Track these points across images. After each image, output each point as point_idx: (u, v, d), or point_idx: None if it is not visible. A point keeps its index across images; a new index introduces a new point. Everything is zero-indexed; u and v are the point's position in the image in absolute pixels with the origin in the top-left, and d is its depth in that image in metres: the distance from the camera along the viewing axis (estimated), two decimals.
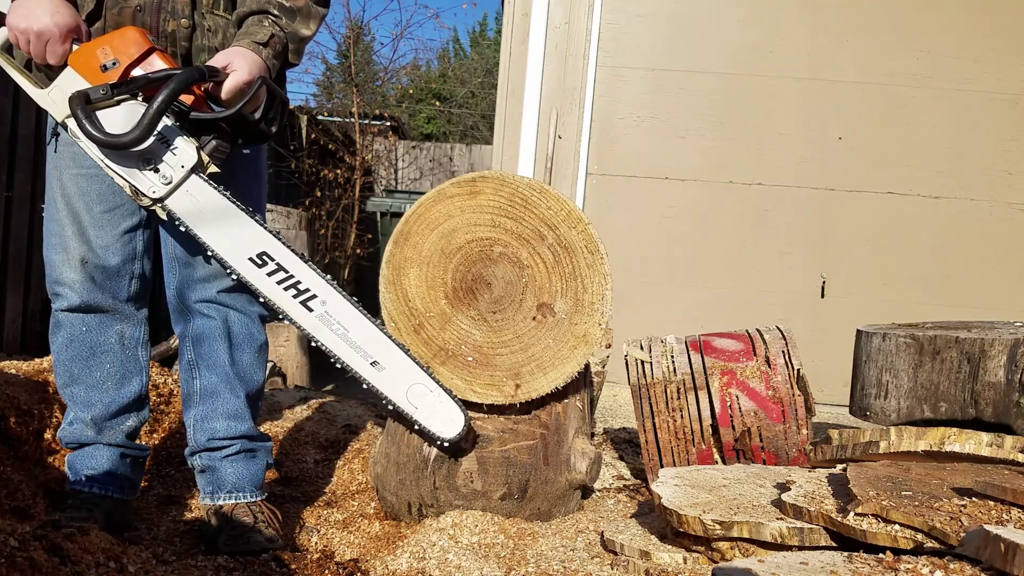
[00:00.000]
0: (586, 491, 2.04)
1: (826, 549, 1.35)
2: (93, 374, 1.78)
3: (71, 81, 1.59)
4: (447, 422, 1.72)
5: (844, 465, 1.59)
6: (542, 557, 1.66)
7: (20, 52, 1.64)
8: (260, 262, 1.66)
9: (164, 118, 1.57)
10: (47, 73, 1.65)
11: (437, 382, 1.73)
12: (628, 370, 2.16)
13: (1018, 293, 3.73)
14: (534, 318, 1.76)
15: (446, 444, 1.75)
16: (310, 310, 1.67)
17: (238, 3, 1.74)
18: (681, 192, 3.87)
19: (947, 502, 1.30)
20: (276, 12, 1.68)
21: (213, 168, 1.63)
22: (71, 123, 1.60)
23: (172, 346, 3.70)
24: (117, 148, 1.55)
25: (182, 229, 1.67)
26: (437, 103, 13.20)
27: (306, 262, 1.67)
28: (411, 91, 12.61)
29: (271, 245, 1.66)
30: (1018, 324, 2.09)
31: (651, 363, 2.14)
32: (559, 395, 1.85)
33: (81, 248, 1.73)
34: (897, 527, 1.27)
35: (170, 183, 1.61)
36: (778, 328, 2.20)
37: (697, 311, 3.79)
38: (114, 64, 1.57)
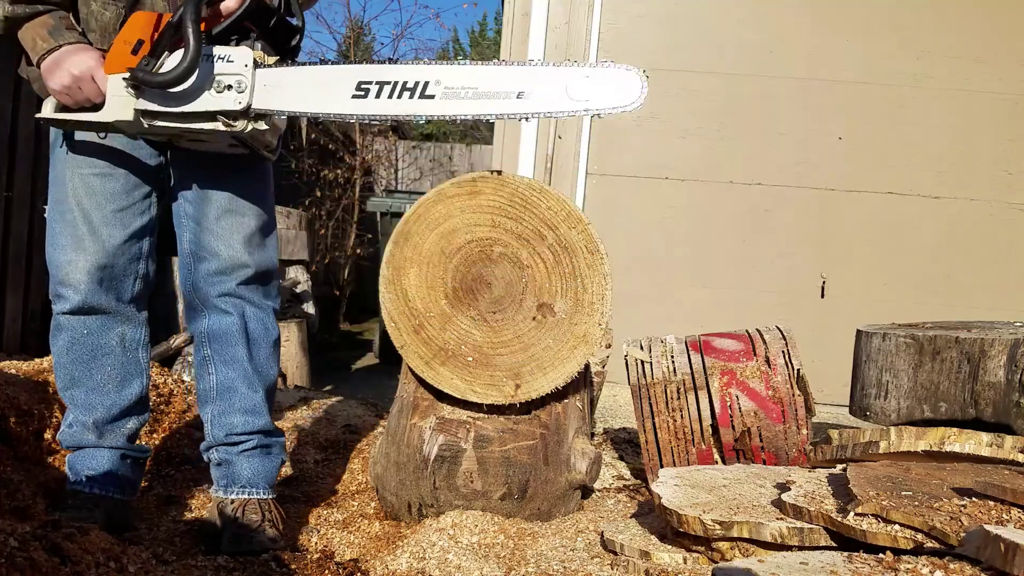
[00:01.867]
0: (586, 491, 2.04)
1: (826, 549, 1.35)
2: (94, 376, 1.79)
3: (116, 82, 1.63)
4: (622, 95, 1.57)
5: (844, 465, 1.59)
6: (542, 557, 1.66)
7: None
8: (363, 92, 1.62)
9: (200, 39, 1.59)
10: (94, 107, 1.67)
11: (585, 65, 1.59)
12: (628, 370, 2.16)
13: (1018, 293, 3.73)
14: (534, 318, 1.76)
15: (628, 109, 1.57)
16: (432, 97, 1.60)
17: None
18: (681, 192, 3.87)
19: (947, 502, 1.30)
20: None
21: (268, 58, 1.65)
22: (142, 104, 1.61)
23: (172, 346, 3.70)
24: (183, 80, 1.56)
25: (283, 118, 1.68)
26: None
27: (394, 61, 1.63)
28: None
29: (359, 72, 1.63)
30: (1018, 324, 2.09)
31: (651, 363, 2.14)
32: (559, 395, 1.85)
33: (91, 247, 1.73)
34: (897, 527, 1.27)
35: (244, 88, 1.61)
36: (778, 328, 2.20)
37: (697, 311, 3.79)
38: (139, 43, 1.62)
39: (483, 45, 14.38)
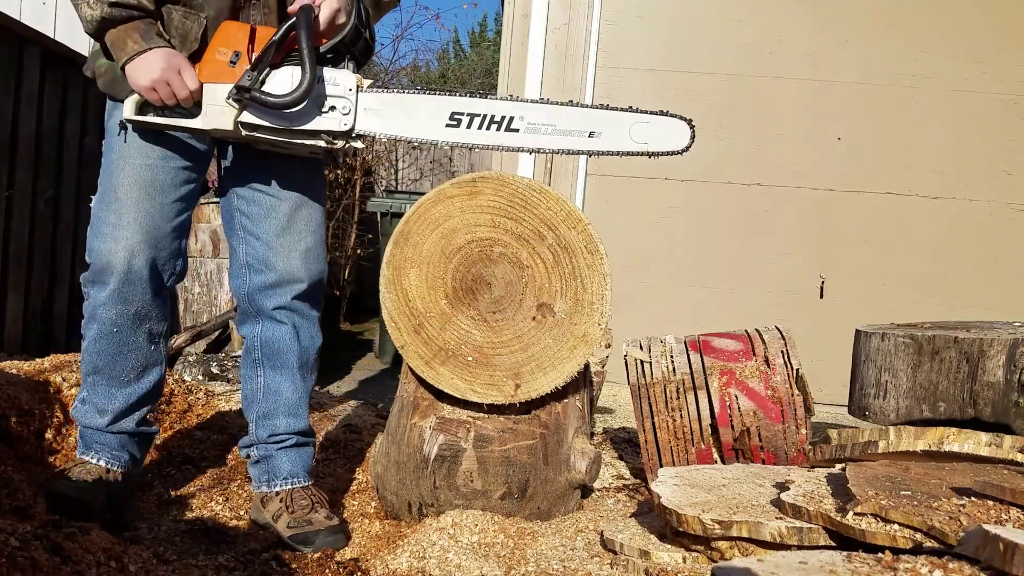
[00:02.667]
0: (586, 491, 2.04)
1: (825, 549, 1.35)
2: (116, 368, 1.86)
3: (214, 92, 1.69)
4: (674, 139, 1.80)
5: (843, 465, 1.59)
6: (542, 556, 1.66)
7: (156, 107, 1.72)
8: (455, 122, 1.76)
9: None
10: (187, 110, 1.72)
11: (645, 112, 1.79)
12: (628, 370, 2.16)
13: (1017, 293, 3.74)
14: (534, 318, 1.77)
15: (679, 152, 1.81)
16: (516, 131, 1.76)
17: None
18: (681, 192, 3.87)
19: (946, 502, 1.30)
20: None
21: (366, 81, 1.75)
22: (246, 117, 1.68)
23: (172, 346, 3.71)
24: (299, 103, 1.64)
25: (383, 139, 1.81)
26: None
27: (485, 96, 1.78)
28: None
29: (452, 104, 1.75)
30: (1017, 324, 2.10)
31: (650, 363, 2.14)
32: (559, 395, 1.85)
33: (135, 237, 1.76)
34: (896, 527, 1.27)
35: (349, 111, 1.71)
36: (777, 328, 2.21)
37: (697, 311, 3.80)
38: (237, 55, 1.69)
39: (483, 46, 14.38)
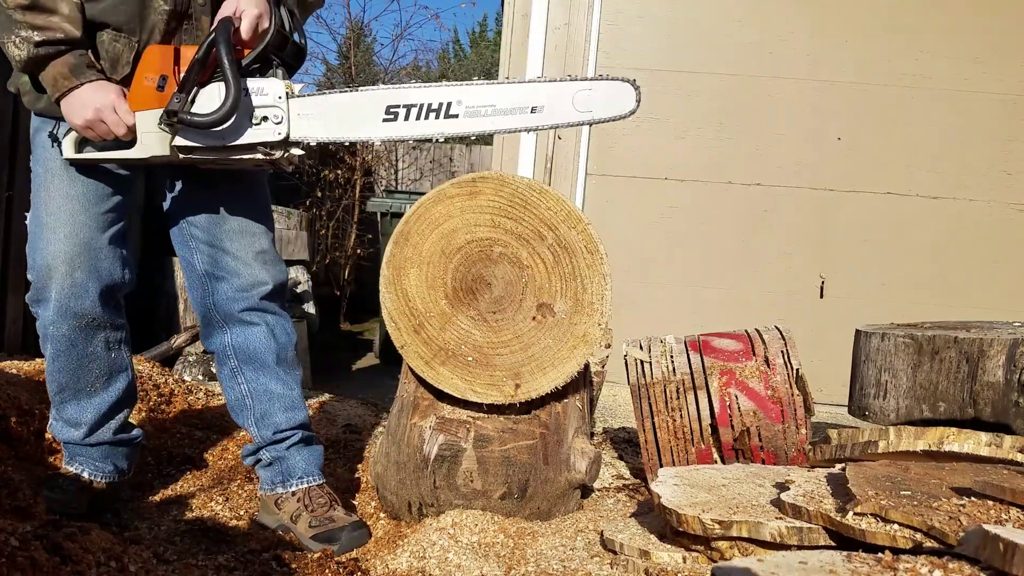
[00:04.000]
0: (586, 490, 2.04)
1: (825, 548, 1.35)
2: (80, 381, 1.84)
3: (146, 119, 1.67)
4: (619, 104, 1.74)
5: (843, 465, 1.59)
6: (542, 556, 1.66)
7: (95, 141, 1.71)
8: (391, 115, 1.71)
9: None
10: (124, 142, 1.71)
11: (586, 80, 1.74)
12: (628, 370, 2.16)
13: (1017, 293, 3.74)
14: (534, 318, 1.77)
15: (625, 117, 1.76)
16: (455, 116, 1.71)
17: None
18: (681, 192, 3.87)
19: (946, 502, 1.30)
20: None
21: (295, 86, 1.71)
22: (180, 140, 1.68)
23: (172, 346, 3.70)
24: (227, 120, 1.62)
25: (314, 145, 1.74)
26: None
27: (419, 85, 1.73)
28: None
29: (386, 97, 1.71)
30: (1017, 324, 2.10)
31: (650, 363, 2.14)
32: (559, 395, 1.85)
33: (74, 250, 1.74)
34: (896, 526, 1.27)
35: (281, 119, 1.68)
36: (777, 328, 2.21)
37: (696, 311, 3.79)
38: (164, 79, 1.67)
39: (482, 46, 14.38)
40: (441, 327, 1.79)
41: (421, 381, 1.85)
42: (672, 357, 2.15)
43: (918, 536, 1.24)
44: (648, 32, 3.87)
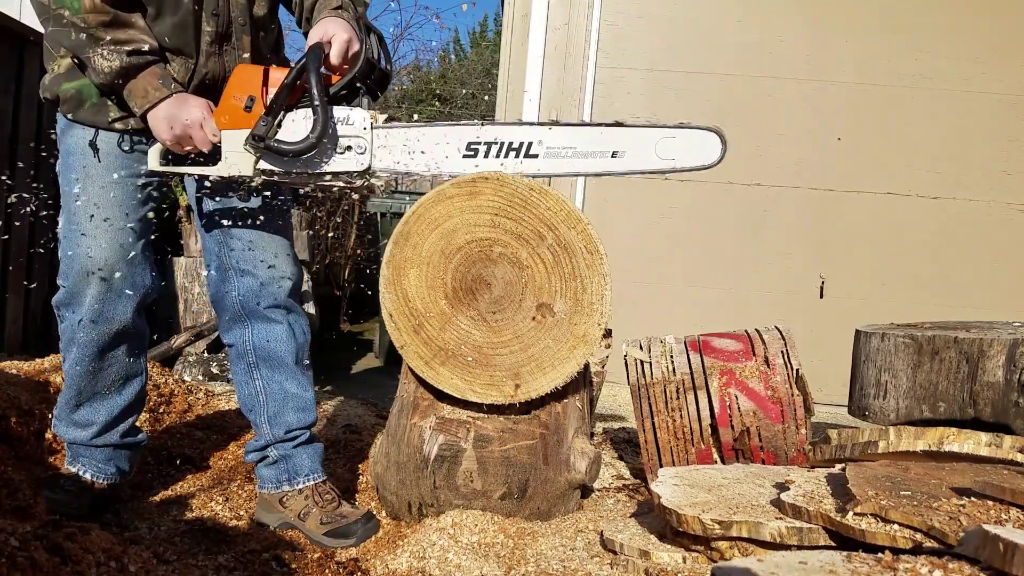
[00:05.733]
0: (586, 491, 2.04)
1: (825, 549, 1.35)
2: (99, 384, 1.86)
3: (232, 139, 1.70)
4: (704, 153, 1.77)
5: (843, 465, 1.59)
6: (542, 556, 1.66)
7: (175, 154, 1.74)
8: (472, 152, 1.75)
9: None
10: (207, 157, 1.74)
11: (669, 127, 1.75)
12: (628, 370, 2.16)
13: (1017, 293, 3.74)
14: (534, 318, 1.77)
15: (710, 167, 1.77)
16: (535, 156, 1.74)
17: None
18: (681, 192, 3.87)
19: (946, 502, 1.30)
20: None
21: (379, 116, 1.74)
22: (263, 164, 1.71)
23: (172, 346, 3.70)
24: (312, 150, 1.65)
25: (393, 176, 1.77)
26: (437, 103, 13.19)
27: (502, 123, 1.76)
28: (412, 91, 12.59)
29: (467, 132, 1.75)
30: (1017, 324, 2.10)
31: (650, 363, 2.14)
32: (559, 395, 1.85)
33: (115, 255, 1.76)
34: (896, 527, 1.27)
35: (364, 149, 1.72)
36: (777, 328, 2.21)
37: (697, 311, 3.79)
38: (252, 100, 1.70)
39: (483, 46, 14.37)
40: (441, 327, 1.79)
41: (421, 381, 1.85)
42: (672, 357, 2.15)
43: (918, 536, 1.24)
44: (648, 32, 3.87)
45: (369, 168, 1.72)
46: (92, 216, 1.75)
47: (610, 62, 3.86)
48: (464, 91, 13.13)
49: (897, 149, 3.79)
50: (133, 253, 1.78)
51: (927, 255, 3.79)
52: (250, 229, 1.87)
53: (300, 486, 1.92)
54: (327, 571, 1.61)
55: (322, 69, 1.67)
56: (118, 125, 1.75)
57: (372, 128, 1.71)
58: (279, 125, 1.67)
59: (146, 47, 1.64)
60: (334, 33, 1.71)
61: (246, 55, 1.80)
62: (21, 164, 3.77)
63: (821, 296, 3.85)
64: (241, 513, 2.00)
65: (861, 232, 3.82)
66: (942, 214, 3.79)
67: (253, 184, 1.78)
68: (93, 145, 1.75)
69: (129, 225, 1.77)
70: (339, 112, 1.70)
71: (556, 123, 1.74)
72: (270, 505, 1.93)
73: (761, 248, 3.85)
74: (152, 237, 1.85)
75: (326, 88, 1.66)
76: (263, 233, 1.88)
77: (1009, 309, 3.57)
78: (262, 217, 1.88)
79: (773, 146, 3.83)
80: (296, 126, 1.67)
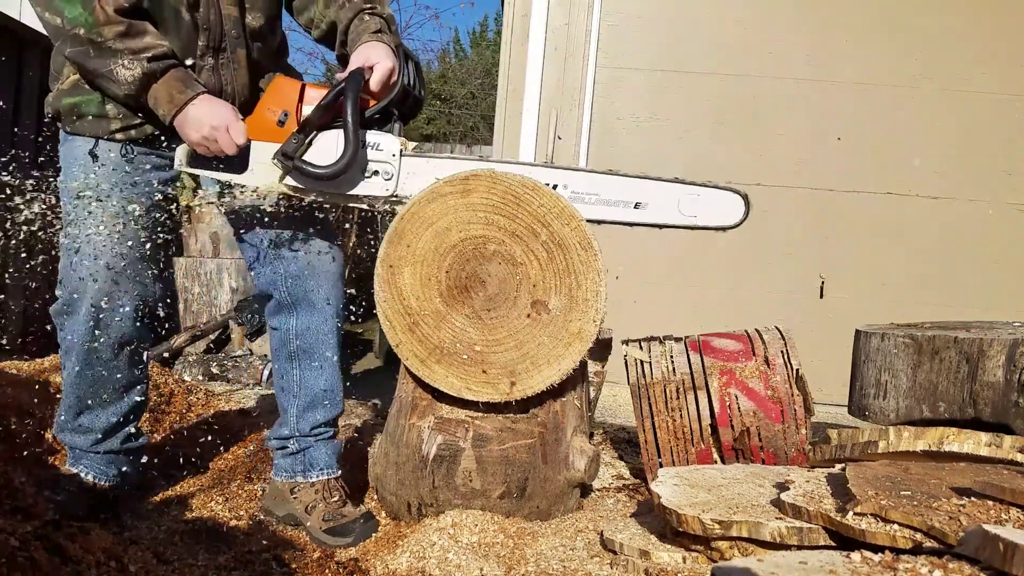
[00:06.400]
0: (585, 490, 2.04)
1: (825, 548, 1.35)
2: (100, 392, 1.85)
3: (262, 151, 1.71)
4: (727, 214, 1.83)
5: (843, 465, 1.59)
6: (542, 556, 1.66)
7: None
8: None
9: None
10: (234, 163, 1.74)
11: (694, 184, 1.78)
12: (627, 370, 2.16)
13: (1017, 293, 3.73)
14: (528, 315, 1.76)
15: (727, 230, 1.84)
16: None
17: (335, 17, 1.84)
18: None
19: (946, 502, 1.30)
20: (367, 6, 1.81)
21: (409, 144, 1.77)
22: (289, 180, 1.72)
23: (172, 346, 3.70)
24: (339, 175, 1.66)
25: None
26: (437, 103, 13.20)
27: (529, 164, 1.78)
28: None
29: (493, 169, 1.77)
30: (1017, 324, 2.09)
31: (650, 363, 2.14)
32: (557, 393, 1.85)
33: (118, 263, 1.75)
34: (896, 527, 1.27)
35: (391, 176, 1.75)
36: (777, 328, 2.21)
37: (697, 311, 3.79)
38: (286, 115, 1.71)
39: (483, 46, 14.38)
40: (436, 325, 1.79)
41: (417, 380, 1.85)
42: (672, 357, 2.14)
43: (918, 536, 1.24)
44: (648, 32, 3.87)
45: (394, 194, 1.75)
46: (91, 226, 1.74)
47: (610, 62, 3.86)
48: (464, 91, 13.13)
49: (898, 149, 3.79)
50: (132, 262, 1.77)
51: (927, 255, 3.79)
52: (303, 219, 1.88)
53: (313, 479, 1.93)
54: (327, 571, 1.61)
55: (359, 97, 1.68)
56: (119, 135, 1.74)
57: (401, 155, 1.73)
58: (309, 144, 1.68)
59: (163, 50, 1.64)
60: (377, 61, 1.71)
61: (242, 68, 1.80)
62: (20, 163, 3.77)
63: (821, 296, 3.85)
64: (241, 513, 2.00)
65: (861, 232, 3.81)
66: (942, 214, 3.79)
67: (278, 196, 1.79)
68: (92, 154, 1.75)
69: (128, 234, 1.76)
70: (370, 137, 1.72)
71: (581, 168, 1.77)
72: (280, 493, 1.94)
73: (761, 248, 3.85)
74: (155, 241, 1.83)
75: (361, 114, 1.67)
76: (315, 223, 1.89)
77: (1009, 309, 3.57)
78: (314, 210, 1.89)
79: (773, 146, 3.83)
80: (326, 149, 1.68)
